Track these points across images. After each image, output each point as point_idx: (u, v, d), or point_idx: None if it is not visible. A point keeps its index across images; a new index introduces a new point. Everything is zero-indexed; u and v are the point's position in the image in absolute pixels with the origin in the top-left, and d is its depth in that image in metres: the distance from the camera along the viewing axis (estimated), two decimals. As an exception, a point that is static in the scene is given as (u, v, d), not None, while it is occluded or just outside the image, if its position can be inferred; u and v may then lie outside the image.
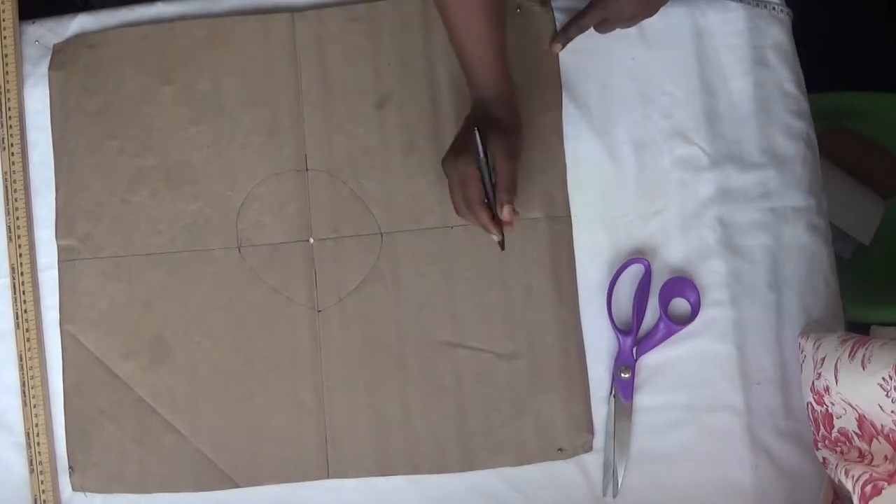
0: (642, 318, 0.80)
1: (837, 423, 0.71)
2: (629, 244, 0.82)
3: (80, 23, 0.87)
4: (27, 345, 0.83)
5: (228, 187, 0.83)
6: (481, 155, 0.69)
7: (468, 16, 0.71)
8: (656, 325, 0.79)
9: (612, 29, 0.81)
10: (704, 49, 0.83)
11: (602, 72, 0.83)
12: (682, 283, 0.80)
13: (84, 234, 0.84)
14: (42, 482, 0.81)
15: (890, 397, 0.61)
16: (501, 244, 0.73)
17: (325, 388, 0.81)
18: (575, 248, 0.81)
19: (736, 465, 0.78)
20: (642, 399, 0.80)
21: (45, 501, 0.81)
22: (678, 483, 0.79)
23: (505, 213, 0.69)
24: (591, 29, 0.82)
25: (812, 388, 0.73)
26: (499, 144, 0.70)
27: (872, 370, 0.62)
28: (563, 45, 0.81)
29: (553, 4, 0.84)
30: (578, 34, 0.80)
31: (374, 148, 0.83)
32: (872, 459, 0.67)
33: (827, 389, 0.70)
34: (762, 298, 0.80)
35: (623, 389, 0.79)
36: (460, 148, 0.71)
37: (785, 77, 0.83)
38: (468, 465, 0.80)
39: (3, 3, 0.86)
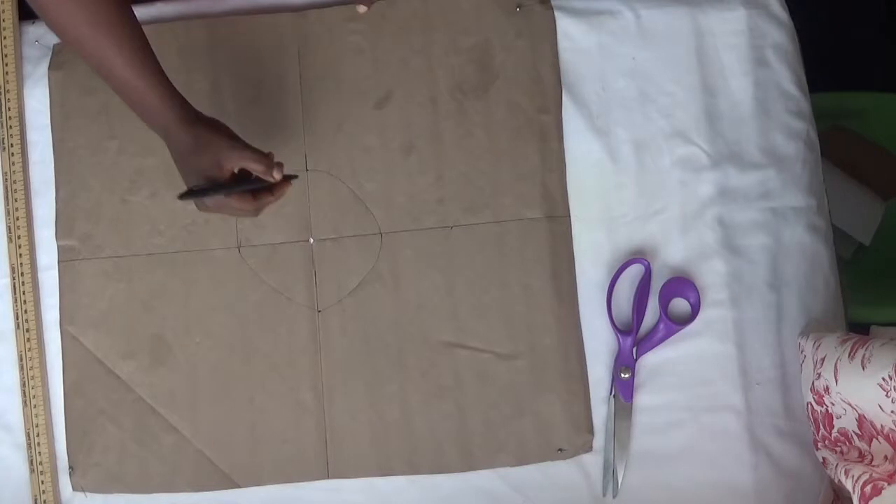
0: (642, 319, 0.80)
1: (837, 423, 0.71)
2: (629, 244, 0.82)
3: (80, 23, 0.87)
4: (27, 345, 0.82)
5: (228, 187, 0.83)
6: (214, 192, 0.67)
7: (120, 56, 0.66)
8: (656, 326, 0.79)
9: None
10: (705, 49, 0.83)
11: (602, 72, 0.83)
12: (682, 283, 0.80)
13: (84, 234, 0.83)
14: (42, 482, 0.81)
15: (890, 397, 0.61)
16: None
17: (325, 388, 0.81)
18: (575, 248, 0.82)
19: (736, 465, 0.79)
20: (642, 399, 0.80)
21: (45, 501, 0.81)
22: (678, 483, 0.79)
23: (276, 175, 0.67)
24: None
25: (812, 388, 0.73)
26: (220, 149, 0.67)
27: (872, 370, 0.62)
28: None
29: (553, 4, 0.84)
30: None
31: (374, 148, 0.83)
32: (872, 459, 0.67)
33: (827, 389, 0.70)
34: (762, 298, 0.80)
35: (623, 389, 0.79)
36: (200, 206, 0.69)
37: (785, 77, 0.83)
38: (468, 465, 0.80)
39: (3, 3, 0.86)
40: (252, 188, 0.69)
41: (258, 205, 0.69)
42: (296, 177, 0.71)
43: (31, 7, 0.68)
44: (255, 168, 0.68)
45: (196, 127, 0.68)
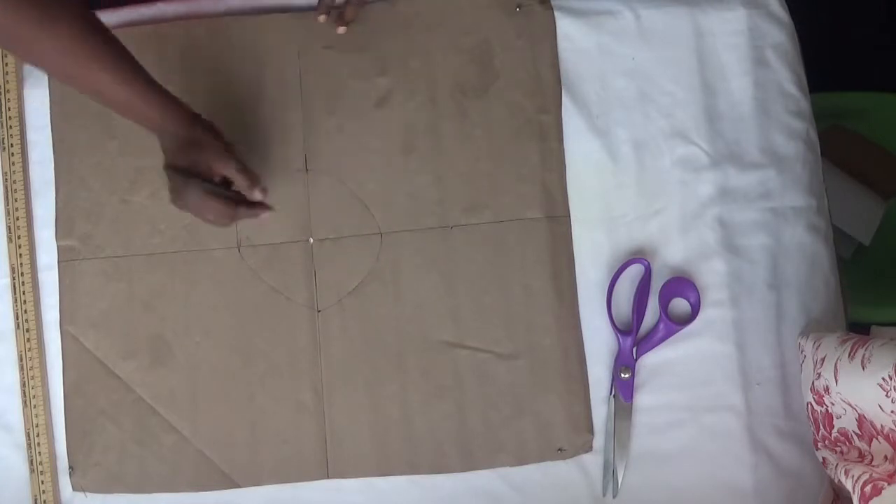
0: (642, 319, 0.80)
1: (837, 423, 0.71)
2: (629, 244, 0.82)
3: (80, 23, 0.87)
4: (27, 345, 0.83)
5: (228, 187, 0.83)
6: (202, 185, 0.70)
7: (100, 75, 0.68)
8: (656, 326, 0.79)
9: None
10: (705, 49, 0.83)
11: (602, 72, 0.83)
12: (682, 283, 0.80)
13: (84, 234, 0.83)
14: (42, 482, 0.81)
15: (890, 397, 0.61)
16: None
17: (325, 388, 0.81)
18: (575, 248, 0.82)
19: (736, 465, 0.79)
20: (642, 399, 0.80)
21: (45, 501, 0.81)
22: (678, 483, 0.79)
23: (257, 195, 0.71)
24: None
25: (812, 388, 0.73)
26: (209, 154, 0.71)
27: (872, 370, 0.62)
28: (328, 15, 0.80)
29: (553, 4, 0.84)
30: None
31: (374, 148, 0.83)
32: (872, 459, 0.67)
33: (827, 389, 0.70)
34: (762, 298, 0.80)
35: (623, 389, 0.79)
36: (180, 188, 0.71)
37: (785, 77, 0.83)
38: (468, 465, 0.80)
39: (3, 3, 0.86)
40: (233, 196, 0.72)
41: (233, 214, 0.71)
42: (273, 209, 0.73)
43: (22, 61, 0.71)
44: (240, 180, 0.71)
45: (195, 128, 0.71)
